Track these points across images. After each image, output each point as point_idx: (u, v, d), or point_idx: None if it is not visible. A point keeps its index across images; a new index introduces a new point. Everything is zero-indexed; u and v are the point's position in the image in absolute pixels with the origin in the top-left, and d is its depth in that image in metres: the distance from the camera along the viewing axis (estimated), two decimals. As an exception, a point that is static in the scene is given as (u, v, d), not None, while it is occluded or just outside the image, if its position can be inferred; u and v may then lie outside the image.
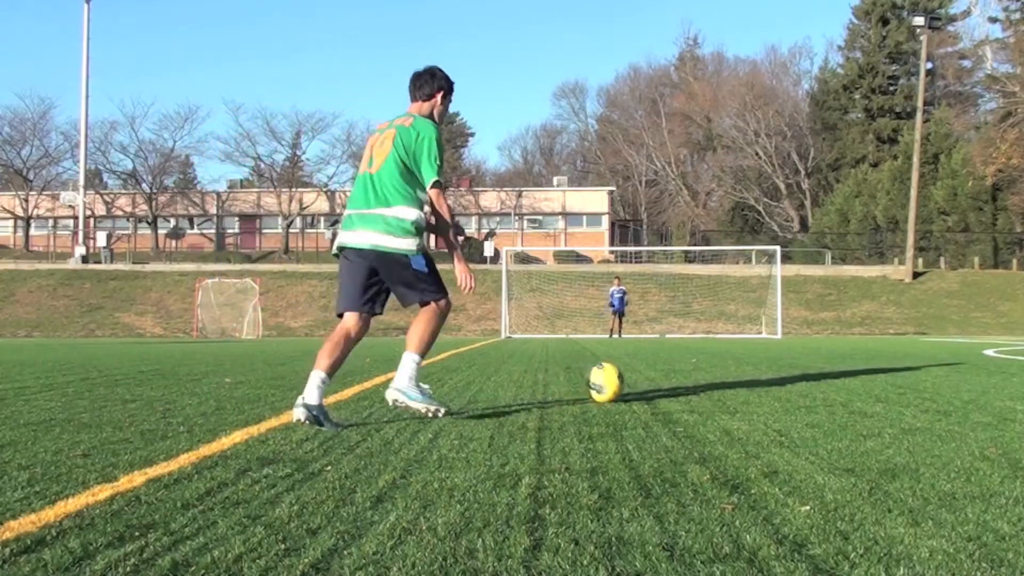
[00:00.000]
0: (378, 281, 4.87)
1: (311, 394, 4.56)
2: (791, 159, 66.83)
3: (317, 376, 4.62)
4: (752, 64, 75.08)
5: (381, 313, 5.02)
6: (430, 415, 4.79)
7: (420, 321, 4.91)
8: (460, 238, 5.16)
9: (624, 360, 11.74)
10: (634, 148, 74.24)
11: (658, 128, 73.64)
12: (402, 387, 4.78)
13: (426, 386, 4.94)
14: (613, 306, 31.95)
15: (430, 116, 5.01)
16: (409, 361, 4.81)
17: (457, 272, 4.96)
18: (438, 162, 4.80)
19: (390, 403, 4.84)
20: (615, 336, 31.21)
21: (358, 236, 4.81)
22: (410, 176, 4.80)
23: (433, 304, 4.90)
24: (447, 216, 4.89)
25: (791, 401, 5.78)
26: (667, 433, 4.27)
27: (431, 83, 5.05)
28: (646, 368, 9.81)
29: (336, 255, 5.00)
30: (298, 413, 4.52)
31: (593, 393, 5.75)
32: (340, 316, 4.95)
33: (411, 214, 4.77)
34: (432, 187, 4.80)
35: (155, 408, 5.55)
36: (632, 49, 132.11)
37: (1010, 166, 47.43)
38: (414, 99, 5.08)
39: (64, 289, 44.54)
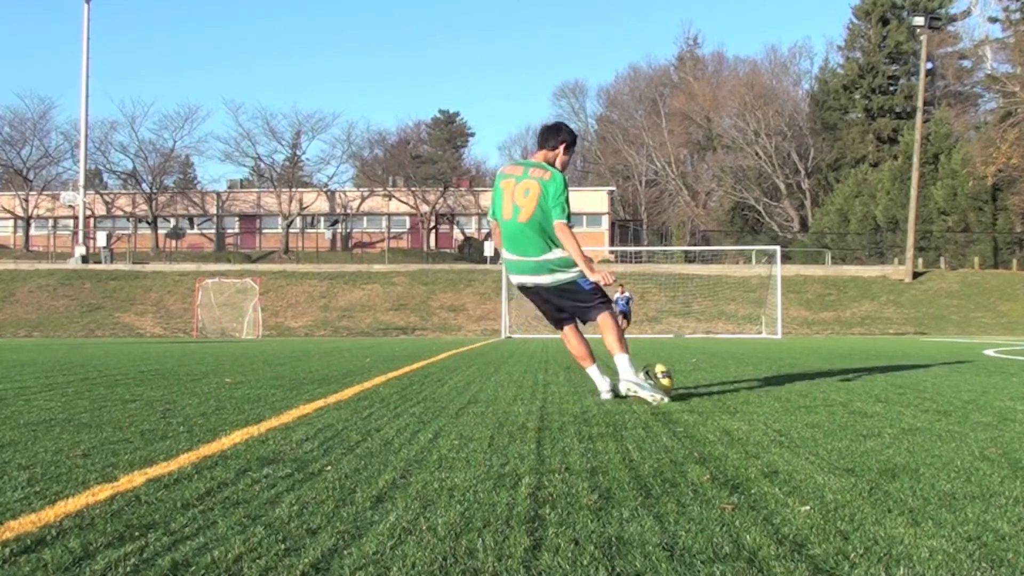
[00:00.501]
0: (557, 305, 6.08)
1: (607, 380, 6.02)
2: (791, 159, 66.84)
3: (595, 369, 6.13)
4: (752, 64, 75.16)
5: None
6: (654, 403, 5.54)
7: (604, 329, 5.96)
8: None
9: (624, 360, 11.72)
10: (634, 148, 74.26)
11: (658, 128, 73.65)
12: (632, 379, 5.74)
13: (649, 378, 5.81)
14: (618, 305, 31.75)
15: (553, 164, 5.88)
16: (623, 361, 5.82)
17: (598, 279, 5.80)
18: (567, 207, 5.75)
19: (623, 391, 5.78)
20: None
21: (531, 278, 5.93)
22: (548, 222, 5.76)
23: (605, 314, 5.98)
24: (574, 247, 5.73)
25: (791, 401, 5.78)
26: (667, 433, 4.27)
27: (556, 136, 5.96)
28: (646, 368, 9.80)
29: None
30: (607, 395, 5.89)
31: (664, 380, 5.89)
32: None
33: (564, 252, 5.80)
34: (557, 223, 5.71)
35: (155, 408, 5.55)
36: (632, 49, 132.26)
37: (1010, 166, 47.43)
38: (541, 147, 5.99)
39: (64, 289, 44.55)
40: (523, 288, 6.03)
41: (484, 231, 61.69)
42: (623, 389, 5.76)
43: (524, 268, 5.89)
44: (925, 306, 41.97)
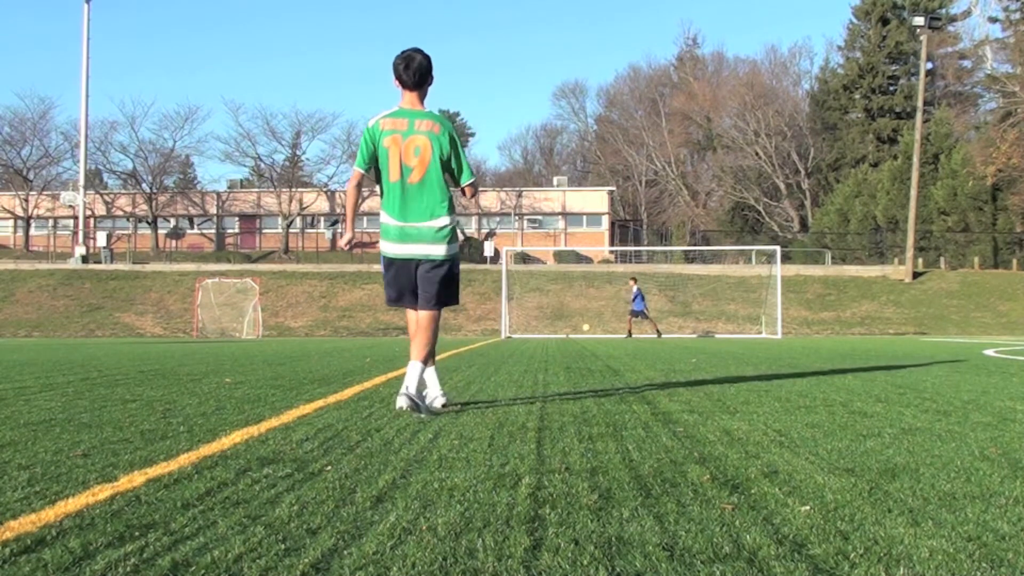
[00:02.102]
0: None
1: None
2: (791, 159, 66.83)
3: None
4: (752, 64, 75.12)
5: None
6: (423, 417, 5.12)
7: (430, 328, 5.38)
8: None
9: (625, 360, 11.74)
10: (634, 148, 74.25)
11: (658, 128, 73.64)
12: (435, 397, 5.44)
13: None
14: (635, 303, 31.29)
15: (424, 102, 5.33)
16: (432, 374, 5.52)
17: None
18: (467, 159, 5.37)
19: (402, 404, 5.17)
20: (635, 336, 30.78)
21: (414, 248, 5.28)
22: (448, 180, 5.30)
23: (435, 312, 5.39)
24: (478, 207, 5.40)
25: (791, 401, 5.78)
26: (667, 433, 4.27)
27: (430, 73, 5.31)
28: (646, 368, 9.81)
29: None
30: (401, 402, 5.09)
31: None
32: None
33: (449, 221, 5.30)
34: (467, 185, 5.36)
35: (155, 408, 5.55)
36: (632, 49, 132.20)
37: (1010, 166, 47.41)
38: (413, 88, 5.27)
39: (64, 289, 44.54)
40: (396, 262, 5.29)
41: (484, 231, 61.72)
42: (402, 403, 5.11)
43: (408, 235, 5.23)
44: (925, 306, 41.96)
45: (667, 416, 4.96)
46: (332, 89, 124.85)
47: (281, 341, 28.67)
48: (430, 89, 5.37)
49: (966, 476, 3.17)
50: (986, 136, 50.73)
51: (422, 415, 5.00)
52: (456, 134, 5.33)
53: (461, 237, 5.80)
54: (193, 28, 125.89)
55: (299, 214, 60.35)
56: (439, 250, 5.26)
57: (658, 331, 31.14)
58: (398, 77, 5.24)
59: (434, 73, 5.34)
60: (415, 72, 5.21)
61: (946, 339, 26.78)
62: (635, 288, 31.47)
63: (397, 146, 5.14)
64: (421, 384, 5.15)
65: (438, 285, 5.28)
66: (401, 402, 5.08)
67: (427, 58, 5.27)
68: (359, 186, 5.33)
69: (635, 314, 31.25)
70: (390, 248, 5.29)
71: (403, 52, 5.26)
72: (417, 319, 5.34)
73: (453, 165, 5.27)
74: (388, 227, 5.26)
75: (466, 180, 5.33)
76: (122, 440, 4.13)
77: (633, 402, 5.78)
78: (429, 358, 5.35)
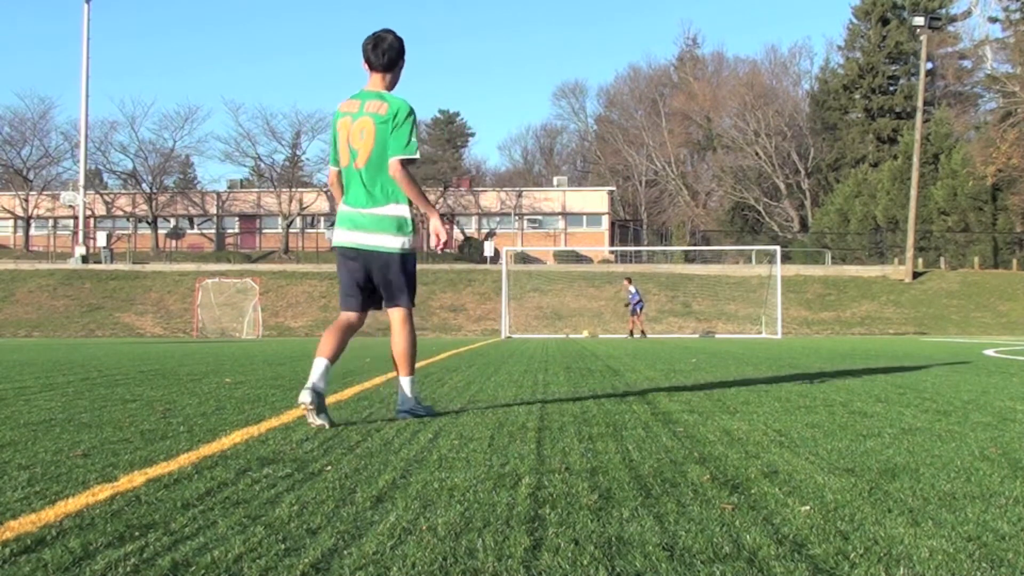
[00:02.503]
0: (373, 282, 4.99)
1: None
2: (791, 159, 66.83)
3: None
4: (752, 64, 75.13)
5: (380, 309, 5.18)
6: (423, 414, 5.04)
7: (404, 330, 5.06)
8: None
9: (625, 360, 11.74)
10: (634, 148, 74.25)
11: (658, 128, 73.65)
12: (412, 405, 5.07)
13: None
14: (633, 302, 31.47)
15: (391, 86, 4.96)
16: (408, 384, 5.07)
17: (437, 224, 4.98)
18: (410, 140, 4.82)
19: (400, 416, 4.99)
20: (636, 336, 30.75)
21: (360, 236, 4.90)
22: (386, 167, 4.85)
23: (405, 310, 5.04)
24: (413, 190, 4.86)
25: (791, 401, 5.78)
26: (667, 433, 4.27)
27: (401, 55, 4.96)
28: (646, 368, 9.81)
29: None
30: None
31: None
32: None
33: (404, 211, 4.89)
34: (392, 160, 4.79)
35: (155, 408, 5.55)
36: (632, 49, 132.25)
37: (1010, 166, 47.41)
38: (376, 69, 4.91)
39: (64, 289, 44.54)
40: (347, 253, 4.92)
41: (484, 231, 61.71)
42: (405, 416, 4.96)
43: (355, 222, 4.87)
44: (925, 306, 41.96)
45: (667, 416, 4.96)
46: (332, 89, 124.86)
47: (281, 341, 28.66)
48: (402, 74, 5.04)
49: (966, 476, 3.16)
50: (986, 136, 50.73)
51: (422, 416, 4.99)
52: (408, 113, 4.83)
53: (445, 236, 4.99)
54: (193, 28, 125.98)
55: (299, 214, 60.34)
56: (384, 241, 4.86)
57: (641, 332, 31.20)
58: (366, 59, 4.91)
59: (405, 58, 5.00)
60: (383, 53, 4.87)
61: (946, 339, 26.77)
62: (632, 288, 31.56)
63: (346, 129, 4.86)
64: (407, 392, 5.01)
65: (391, 281, 4.92)
66: (400, 417, 4.95)
67: (398, 40, 4.93)
68: (339, 183, 5.02)
69: (634, 313, 31.39)
70: (337, 236, 4.97)
71: (374, 33, 4.94)
72: (390, 322, 5.04)
73: (390, 142, 4.80)
74: (339, 213, 5.00)
75: (394, 153, 4.78)
76: (122, 440, 4.13)
77: (633, 402, 5.78)
78: (411, 365, 5.01)
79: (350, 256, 4.92)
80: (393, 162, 4.79)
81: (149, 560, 2.16)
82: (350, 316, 4.99)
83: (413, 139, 4.83)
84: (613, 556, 2.18)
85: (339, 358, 4.88)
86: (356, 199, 4.87)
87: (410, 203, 4.92)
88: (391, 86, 4.96)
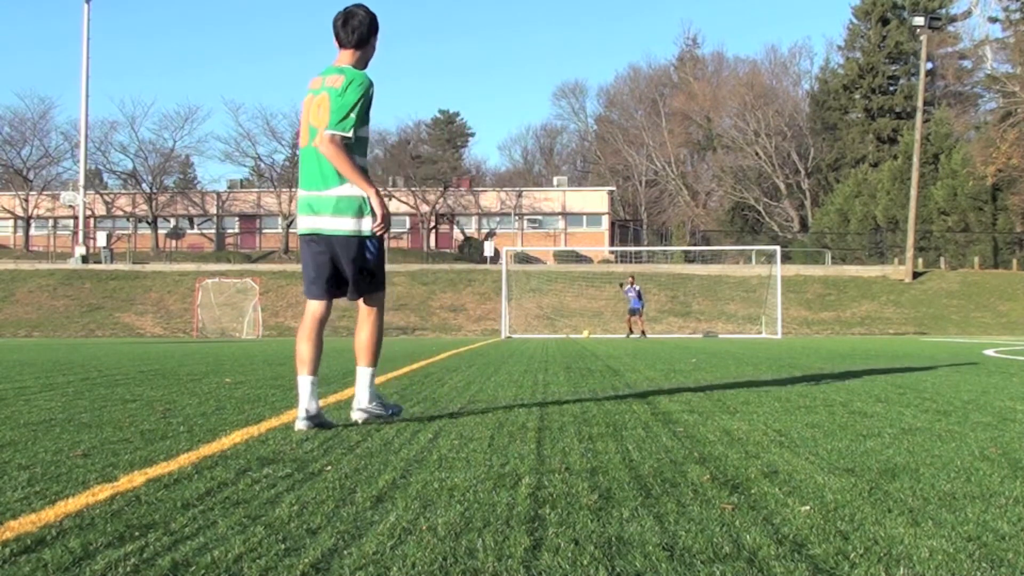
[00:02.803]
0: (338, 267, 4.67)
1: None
2: (791, 159, 66.84)
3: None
4: (752, 64, 75.13)
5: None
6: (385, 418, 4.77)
7: (371, 321, 4.77)
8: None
9: (625, 360, 11.74)
10: (634, 148, 74.26)
11: (658, 128, 73.65)
12: (367, 406, 4.72)
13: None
14: (630, 301, 31.38)
15: (361, 63, 4.64)
16: (367, 376, 4.73)
17: (376, 205, 4.53)
18: (351, 116, 4.43)
19: (357, 418, 4.68)
20: (634, 336, 30.65)
21: (315, 220, 4.60)
22: (355, 145, 4.52)
23: (372, 298, 4.76)
24: (345, 165, 4.44)
25: (791, 401, 5.78)
26: (667, 433, 4.27)
27: (372, 30, 4.66)
28: (646, 368, 9.81)
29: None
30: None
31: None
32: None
33: (353, 191, 4.54)
34: (327, 134, 4.43)
35: (155, 408, 5.55)
36: (632, 49, 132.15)
37: (1010, 166, 47.41)
38: (353, 47, 4.62)
39: (64, 289, 44.54)
40: (311, 239, 4.63)
41: (484, 231, 61.70)
42: (357, 416, 4.67)
43: (312, 206, 4.59)
44: (925, 306, 41.96)
45: (667, 416, 4.96)
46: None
47: (281, 341, 28.65)
48: (374, 54, 4.74)
49: (966, 476, 3.17)
50: (986, 136, 50.72)
51: (391, 418, 4.77)
52: (359, 84, 4.49)
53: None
54: (193, 28, 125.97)
55: (299, 214, 60.28)
56: (344, 224, 4.53)
57: (641, 332, 31.11)
58: (336, 35, 4.63)
59: (378, 35, 4.71)
60: (354, 30, 4.58)
61: (946, 339, 26.77)
62: (636, 286, 31.48)
63: (307, 108, 4.59)
64: (365, 386, 4.69)
65: (355, 267, 4.60)
66: (356, 416, 4.68)
67: (370, 15, 4.64)
68: None
69: (633, 312, 31.34)
70: (299, 223, 4.71)
71: (344, 8, 4.66)
72: (357, 310, 4.79)
73: (331, 115, 4.44)
74: (297, 199, 4.73)
75: (329, 127, 4.43)
76: (122, 440, 4.13)
77: (633, 402, 5.78)
78: (374, 356, 4.73)
79: (314, 242, 4.62)
80: (324, 135, 4.42)
81: (149, 560, 2.16)
82: (317, 309, 4.72)
83: (352, 115, 4.43)
84: (613, 556, 2.18)
85: (319, 363, 4.68)
86: (311, 181, 4.58)
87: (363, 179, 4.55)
88: (362, 64, 4.66)
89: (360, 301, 4.76)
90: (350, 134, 4.44)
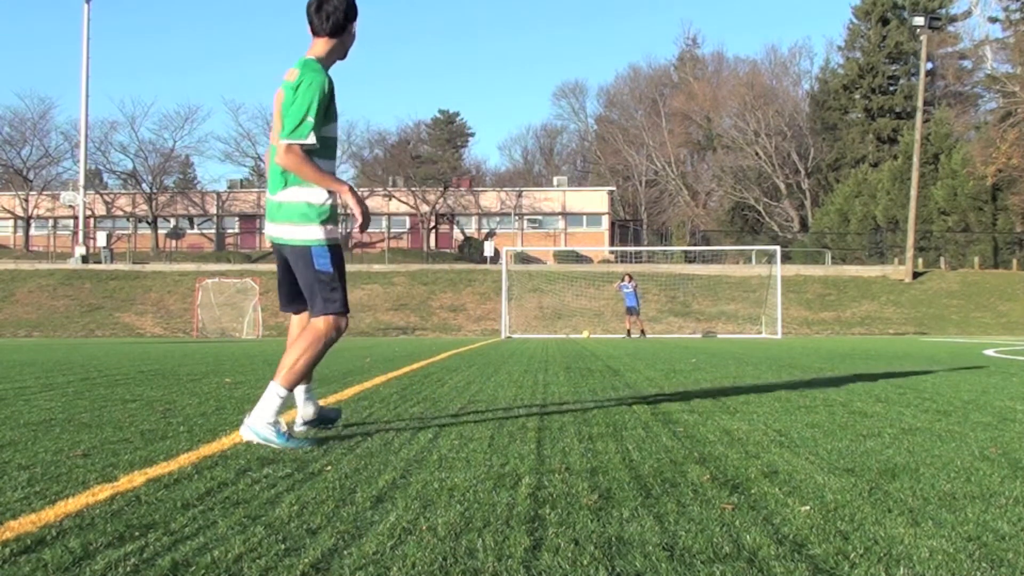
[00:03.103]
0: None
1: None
2: (791, 159, 66.84)
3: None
4: (752, 64, 75.11)
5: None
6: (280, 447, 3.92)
7: (308, 338, 4.13)
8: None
9: (625, 360, 11.74)
10: (634, 148, 74.27)
11: (658, 128, 73.65)
12: (264, 429, 3.98)
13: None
14: (626, 299, 31.27)
15: (339, 53, 4.21)
16: (277, 392, 4.06)
17: (349, 200, 4.01)
18: (305, 119, 3.92)
19: (247, 436, 3.99)
20: (634, 336, 30.55)
21: (268, 227, 4.22)
22: (321, 149, 4.06)
23: (323, 318, 4.10)
24: (309, 172, 3.96)
25: (791, 401, 5.78)
26: (667, 433, 4.27)
27: (348, 17, 4.15)
28: (646, 368, 9.81)
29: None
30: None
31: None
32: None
33: (310, 195, 4.06)
34: (281, 143, 3.95)
35: (155, 408, 5.55)
36: (632, 49, 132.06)
37: (1010, 166, 47.40)
38: (326, 35, 4.14)
39: (64, 289, 44.54)
40: (274, 246, 4.26)
41: (484, 231, 61.70)
42: (246, 433, 3.96)
43: (268, 211, 4.19)
44: (925, 306, 41.96)
45: (667, 416, 4.96)
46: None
47: (281, 341, 28.63)
48: (354, 42, 4.28)
49: (966, 476, 3.17)
50: (986, 136, 50.71)
51: (330, 426, 4.44)
52: (310, 82, 3.98)
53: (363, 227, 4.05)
54: (193, 28, 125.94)
55: (299, 214, 60.27)
56: (287, 232, 4.07)
57: (641, 332, 31.00)
58: (309, 21, 4.15)
59: (357, 24, 4.23)
60: (328, 16, 4.09)
61: (946, 339, 26.77)
62: (632, 283, 31.37)
63: (276, 103, 4.19)
64: (267, 406, 3.99)
65: (303, 279, 4.12)
66: (241, 431, 4.05)
67: (346, 2, 4.12)
68: None
69: (630, 311, 31.27)
70: (266, 229, 4.29)
71: None
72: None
73: (284, 120, 3.99)
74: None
75: (283, 134, 3.94)
76: (122, 440, 4.13)
77: (633, 402, 5.78)
78: (294, 378, 4.07)
79: (275, 250, 4.26)
80: (279, 147, 3.95)
81: (149, 560, 2.16)
82: (290, 320, 4.44)
83: (308, 119, 3.92)
84: (613, 556, 2.18)
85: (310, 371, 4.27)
86: (269, 184, 4.17)
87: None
88: (341, 54, 4.23)
89: (305, 316, 4.29)
90: (311, 140, 3.93)
